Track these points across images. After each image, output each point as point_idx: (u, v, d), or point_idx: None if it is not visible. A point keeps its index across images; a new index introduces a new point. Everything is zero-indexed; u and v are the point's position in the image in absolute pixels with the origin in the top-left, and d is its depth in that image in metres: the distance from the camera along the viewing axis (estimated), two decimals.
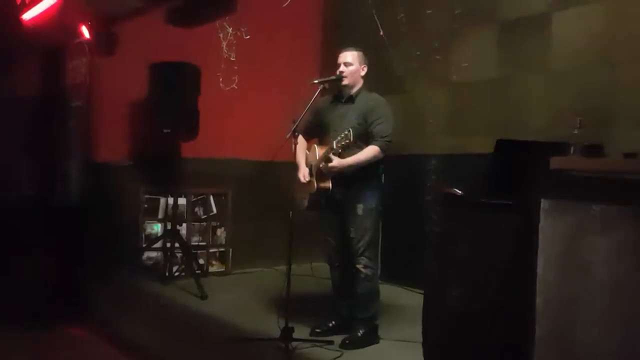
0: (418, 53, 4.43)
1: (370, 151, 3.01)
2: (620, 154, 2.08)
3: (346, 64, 3.13)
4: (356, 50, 3.17)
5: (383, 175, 3.21)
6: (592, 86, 3.49)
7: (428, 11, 4.29)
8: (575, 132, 2.18)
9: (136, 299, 4.09)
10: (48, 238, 4.16)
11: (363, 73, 3.18)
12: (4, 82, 4.65)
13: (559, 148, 2.10)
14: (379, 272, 3.25)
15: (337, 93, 3.24)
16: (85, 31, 4.39)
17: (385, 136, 3.03)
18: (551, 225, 2.00)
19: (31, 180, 4.84)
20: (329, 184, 3.06)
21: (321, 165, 3.04)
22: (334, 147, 2.91)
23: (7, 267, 3.98)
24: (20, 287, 3.96)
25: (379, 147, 3.01)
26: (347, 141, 2.85)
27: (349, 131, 2.85)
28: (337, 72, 3.14)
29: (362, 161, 3.01)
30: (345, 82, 3.14)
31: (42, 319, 3.86)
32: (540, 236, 2.02)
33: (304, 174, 3.18)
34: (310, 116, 3.25)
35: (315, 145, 3.20)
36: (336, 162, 2.95)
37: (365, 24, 4.67)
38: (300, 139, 3.22)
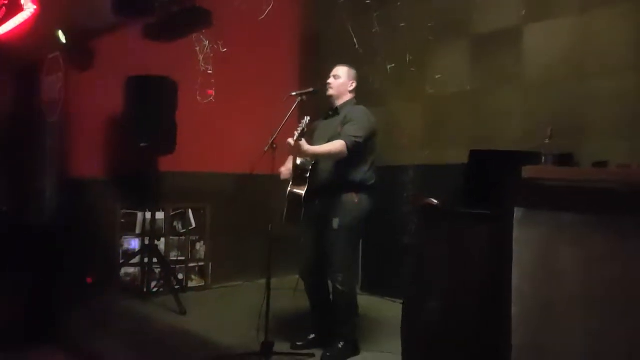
0: (393, 65, 4.50)
1: (333, 144, 2.99)
2: (590, 163, 2.14)
3: (335, 77, 3.25)
4: (348, 66, 3.29)
5: (368, 192, 3.18)
6: (563, 97, 3.58)
7: (402, 24, 4.36)
8: (547, 141, 2.23)
9: (114, 316, 4.02)
10: (22, 255, 4.08)
11: (351, 88, 3.27)
12: None
13: (531, 157, 2.15)
14: (357, 285, 3.24)
15: (329, 108, 3.30)
16: (61, 36, 4.30)
17: (354, 135, 3.02)
18: (525, 234, 2.03)
19: (5, 197, 4.75)
20: (302, 191, 3.01)
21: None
22: (295, 135, 2.87)
23: None
24: None
25: (345, 142, 2.98)
26: (303, 128, 2.85)
27: (304, 120, 2.88)
28: (326, 84, 3.23)
29: (323, 151, 3.00)
30: (330, 92, 3.24)
31: (16, 340, 3.76)
32: (515, 245, 2.05)
33: (283, 168, 3.19)
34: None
35: None
36: (291, 141, 2.86)
37: (341, 38, 4.73)
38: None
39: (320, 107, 3.36)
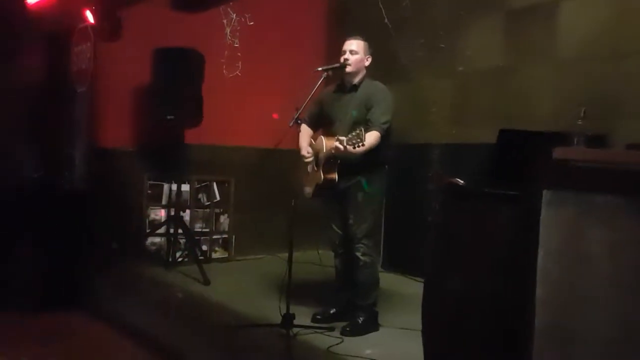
0: (422, 41, 4.40)
1: (374, 139, 2.99)
2: (624, 145, 2.07)
3: (352, 52, 3.13)
4: (362, 39, 3.18)
5: (386, 166, 3.20)
6: (598, 76, 3.47)
7: None
8: (579, 122, 2.17)
9: (139, 284, 4.12)
10: (51, 222, 4.18)
11: (367, 63, 3.18)
12: (9, 67, 4.65)
13: (563, 138, 2.09)
14: (379, 259, 3.27)
15: (341, 82, 3.23)
16: (89, 15, 4.35)
17: (384, 122, 3.03)
18: (553, 216, 1.99)
19: (35, 165, 4.86)
20: (335, 175, 3.06)
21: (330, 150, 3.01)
22: (344, 142, 2.83)
23: (9, 251, 4.01)
24: (22, 271, 3.99)
25: (379, 132, 2.99)
26: (358, 140, 2.80)
27: (361, 131, 2.81)
28: (342, 60, 3.13)
29: (368, 149, 2.98)
30: (349, 69, 3.13)
31: (43, 304, 3.88)
32: (542, 227, 2.01)
33: (306, 150, 3.17)
34: (315, 107, 3.30)
35: (322, 137, 3.19)
36: (341, 147, 2.83)
37: (370, 11, 4.63)
38: (304, 127, 3.25)
39: (340, 81, 3.30)
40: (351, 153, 2.88)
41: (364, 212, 3.11)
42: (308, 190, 3.21)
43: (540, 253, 2.01)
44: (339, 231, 3.25)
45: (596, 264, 1.89)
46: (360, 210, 3.10)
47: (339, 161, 3.06)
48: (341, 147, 2.82)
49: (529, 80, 3.88)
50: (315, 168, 3.17)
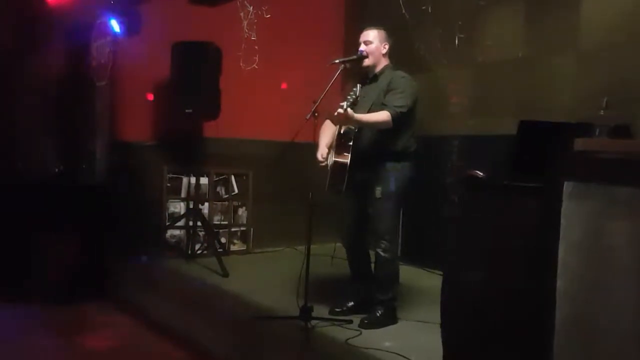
0: (441, 31, 4.35)
1: (380, 114, 2.94)
2: None
3: (366, 43, 3.13)
4: (376, 28, 3.15)
5: (410, 158, 3.15)
6: (621, 66, 3.39)
7: None
8: (601, 112, 2.13)
9: (159, 276, 4.17)
10: (72, 215, 4.25)
11: (384, 51, 3.15)
12: (31, 62, 4.73)
13: (584, 129, 2.05)
14: (399, 254, 3.24)
15: (364, 75, 3.21)
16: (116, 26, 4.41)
17: (398, 106, 2.96)
18: (574, 209, 1.97)
19: (56, 159, 4.94)
20: (347, 160, 2.99)
21: (330, 116, 2.98)
22: (344, 105, 2.86)
23: (32, 244, 4.09)
24: (44, 264, 4.07)
25: (390, 113, 2.93)
26: (355, 97, 2.85)
27: (355, 88, 2.87)
28: (358, 52, 3.12)
29: (369, 121, 2.96)
30: (366, 62, 3.12)
31: (66, 296, 3.96)
32: (563, 219, 1.98)
33: (321, 153, 3.16)
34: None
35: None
36: (341, 110, 2.84)
37: (388, 2, 4.60)
38: (327, 123, 3.21)
39: (362, 74, 3.29)
40: (354, 120, 2.87)
41: (384, 208, 3.05)
42: (324, 183, 3.17)
43: (561, 246, 1.98)
44: (352, 224, 3.22)
45: (618, 256, 1.86)
46: (380, 206, 3.05)
47: (350, 143, 3.00)
48: (341, 110, 2.81)
49: (550, 70, 3.81)
50: (327, 156, 3.13)
